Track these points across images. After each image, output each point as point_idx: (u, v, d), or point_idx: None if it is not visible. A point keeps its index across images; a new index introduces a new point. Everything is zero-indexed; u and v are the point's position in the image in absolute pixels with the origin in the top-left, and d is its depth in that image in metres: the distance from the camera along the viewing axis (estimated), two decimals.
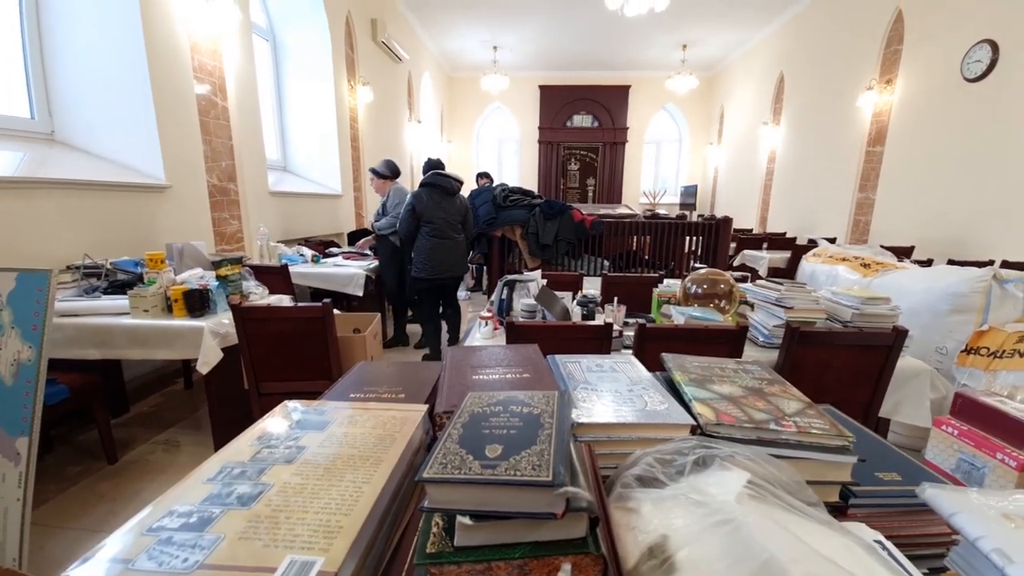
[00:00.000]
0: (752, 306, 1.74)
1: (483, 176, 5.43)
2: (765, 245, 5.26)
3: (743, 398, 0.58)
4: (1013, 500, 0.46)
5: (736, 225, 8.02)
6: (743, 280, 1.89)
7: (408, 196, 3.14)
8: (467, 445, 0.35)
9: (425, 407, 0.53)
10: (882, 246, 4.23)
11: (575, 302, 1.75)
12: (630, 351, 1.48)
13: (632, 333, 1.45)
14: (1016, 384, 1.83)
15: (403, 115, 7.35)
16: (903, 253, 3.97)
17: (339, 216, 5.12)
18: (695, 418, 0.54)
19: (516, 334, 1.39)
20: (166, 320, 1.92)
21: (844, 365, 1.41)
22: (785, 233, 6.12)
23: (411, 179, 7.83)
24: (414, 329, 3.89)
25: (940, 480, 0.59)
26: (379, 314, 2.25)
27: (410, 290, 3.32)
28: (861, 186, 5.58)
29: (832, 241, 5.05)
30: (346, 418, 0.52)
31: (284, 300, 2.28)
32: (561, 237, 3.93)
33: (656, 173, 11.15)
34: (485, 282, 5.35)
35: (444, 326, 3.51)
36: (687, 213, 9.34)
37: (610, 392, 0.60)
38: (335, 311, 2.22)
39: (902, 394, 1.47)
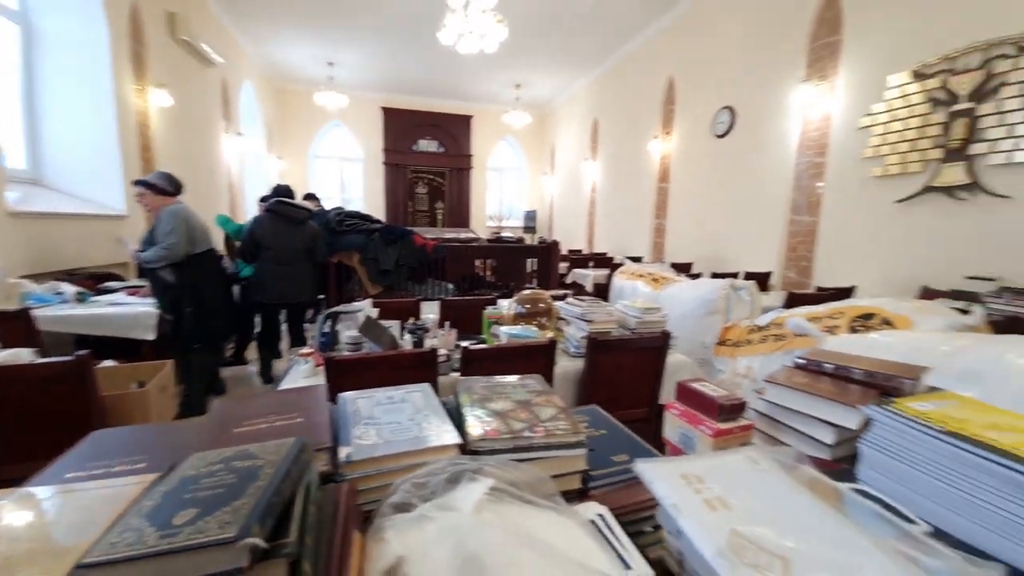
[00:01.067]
0: (568, 321, 1.97)
1: (310, 198, 4.95)
2: (591, 264, 6.02)
3: (511, 411, 0.65)
4: (690, 464, 0.60)
5: (571, 246, 9.06)
6: (560, 299, 2.13)
7: (251, 222, 3.12)
8: (154, 515, 0.31)
9: (151, 477, 0.46)
10: (672, 264, 5.25)
11: (406, 330, 1.74)
12: (458, 373, 1.53)
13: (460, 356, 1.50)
14: (750, 365, 2.43)
15: (217, 125, 6.44)
16: (683, 269, 4.97)
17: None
18: (464, 437, 0.58)
19: (334, 369, 1.31)
20: None
21: (633, 364, 1.70)
22: (606, 253, 7.11)
23: (229, 196, 6.86)
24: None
25: (656, 455, 0.74)
26: (170, 361, 1.88)
27: (192, 331, 2.68)
28: (656, 214, 6.86)
29: (638, 260, 6.07)
30: (38, 506, 0.42)
31: (22, 355, 1.74)
32: (403, 262, 3.88)
33: (501, 198, 11.92)
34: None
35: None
36: (524, 236, 10.17)
37: (390, 424, 0.61)
38: (108, 363, 1.80)
39: (673, 383, 1.83)
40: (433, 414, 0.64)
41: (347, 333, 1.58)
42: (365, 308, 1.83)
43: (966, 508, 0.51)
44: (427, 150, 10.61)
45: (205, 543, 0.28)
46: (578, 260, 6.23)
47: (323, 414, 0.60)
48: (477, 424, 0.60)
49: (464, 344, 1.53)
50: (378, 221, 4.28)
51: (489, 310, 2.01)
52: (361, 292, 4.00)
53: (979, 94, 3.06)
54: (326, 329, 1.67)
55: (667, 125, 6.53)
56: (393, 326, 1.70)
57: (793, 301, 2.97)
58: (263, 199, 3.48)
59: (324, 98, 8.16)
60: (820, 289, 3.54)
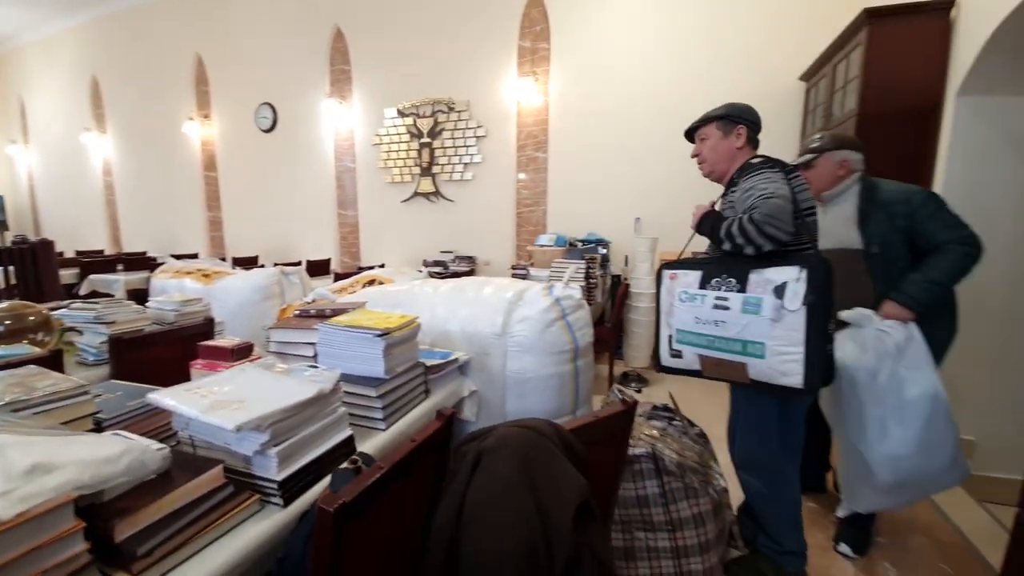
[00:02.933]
0: (80, 331, 1.70)
1: None
2: (120, 267, 4.82)
3: None
4: (196, 383, 0.87)
5: (82, 246, 6.73)
6: (58, 308, 1.77)
7: None
8: None
9: None
10: (235, 258, 5.05)
11: None
12: None
13: None
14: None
15: None
16: (249, 263, 4.92)
17: None
18: None
19: None
20: None
21: (179, 353, 1.72)
22: (145, 252, 5.84)
23: None
24: None
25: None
26: None
27: None
28: (209, 206, 6.24)
29: (195, 256, 5.40)
30: None
31: None
32: None
33: None
34: None
35: None
36: None
37: None
38: None
39: None
40: None
41: None
42: None
43: (344, 356, 1.07)
44: None
45: None
46: (98, 263, 4.82)
47: None
48: None
49: None
50: None
51: None
52: None
53: (433, 133, 4.72)
54: None
55: (204, 107, 5.98)
56: None
57: (338, 278, 3.67)
58: None
59: None
60: (360, 268, 4.50)
